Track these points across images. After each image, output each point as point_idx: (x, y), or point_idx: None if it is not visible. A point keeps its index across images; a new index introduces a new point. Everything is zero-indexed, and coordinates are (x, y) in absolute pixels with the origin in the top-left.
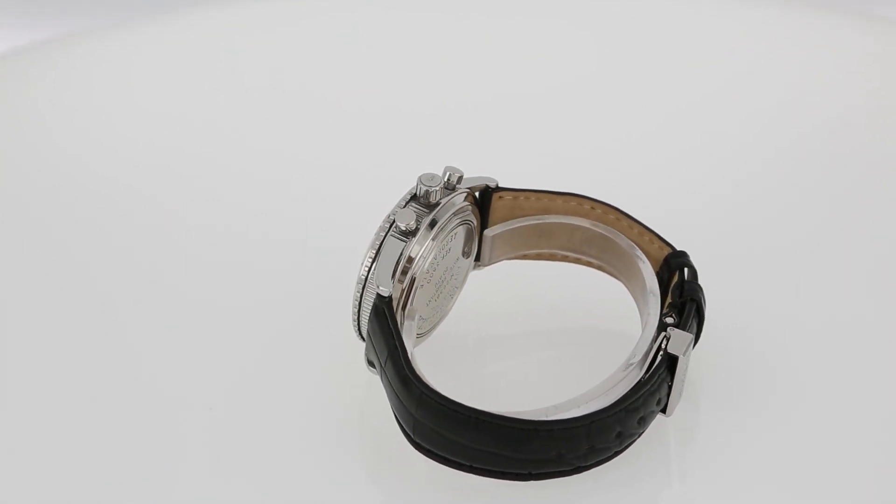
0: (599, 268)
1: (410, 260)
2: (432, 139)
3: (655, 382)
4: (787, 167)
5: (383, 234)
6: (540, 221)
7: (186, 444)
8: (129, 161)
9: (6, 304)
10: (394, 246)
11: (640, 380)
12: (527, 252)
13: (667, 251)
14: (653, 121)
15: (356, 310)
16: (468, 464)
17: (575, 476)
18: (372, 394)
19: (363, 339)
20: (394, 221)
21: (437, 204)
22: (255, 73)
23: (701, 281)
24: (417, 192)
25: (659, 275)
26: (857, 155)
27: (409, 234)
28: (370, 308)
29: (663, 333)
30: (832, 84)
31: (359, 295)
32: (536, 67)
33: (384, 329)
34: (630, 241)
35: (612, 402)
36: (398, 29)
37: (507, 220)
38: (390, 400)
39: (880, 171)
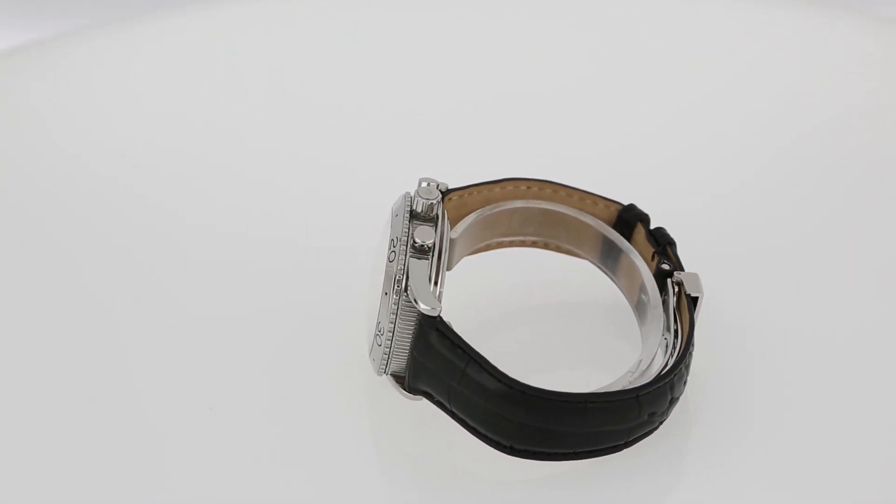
0: (534, 244)
1: (437, 276)
2: (432, 139)
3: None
4: (788, 167)
5: (403, 256)
6: (483, 214)
7: (187, 445)
8: (129, 161)
9: (6, 303)
10: (420, 266)
11: (691, 334)
12: (475, 247)
13: (615, 208)
14: (653, 121)
15: (388, 341)
16: (572, 451)
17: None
18: (374, 394)
19: (383, 373)
20: (409, 241)
21: (438, 216)
22: (255, 73)
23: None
24: (417, 208)
25: (620, 229)
26: (858, 155)
27: (427, 251)
28: (410, 335)
29: (670, 280)
30: (832, 84)
31: (392, 325)
32: (536, 67)
33: (450, 347)
34: (574, 209)
35: (676, 354)
36: (398, 29)
37: (459, 219)
38: (472, 418)
39: (880, 170)
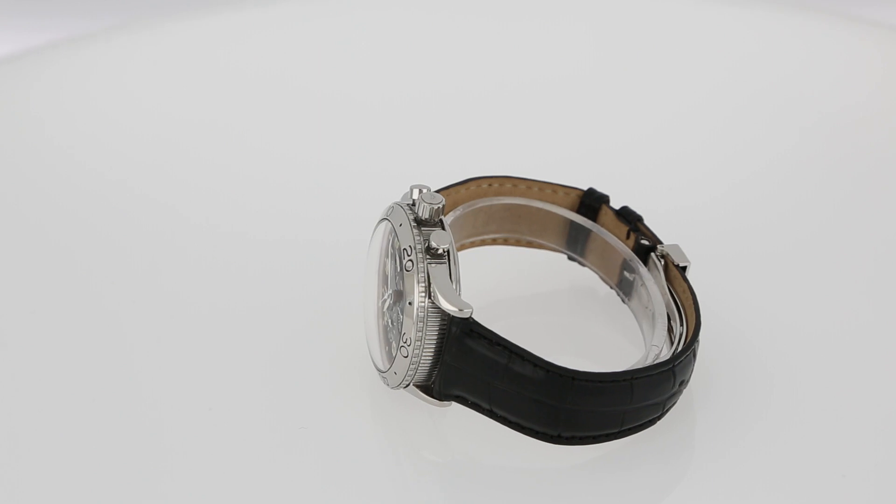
0: (494, 242)
1: (456, 278)
2: (431, 139)
3: None
4: (787, 168)
5: (422, 263)
6: (453, 217)
7: (186, 446)
8: (132, 162)
9: (6, 306)
10: (441, 270)
11: (695, 300)
12: None
13: (575, 194)
14: (653, 122)
15: (418, 350)
16: (617, 430)
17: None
18: (375, 394)
19: (405, 386)
20: (425, 247)
21: (442, 220)
22: (257, 74)
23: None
24: (423, 214)
25: (585, 214)
26: (855, 156)
27: (442, 255)
28: (438, 341)
29: (653, 254)
30: (832, 87)
31: (420, 334)
32: (539, 67)
33: (488, 346)
34: (534, 200)
35: (685, 326)
36: (398, 30)
37: None
38: (516, 413)
39: (879, 171)
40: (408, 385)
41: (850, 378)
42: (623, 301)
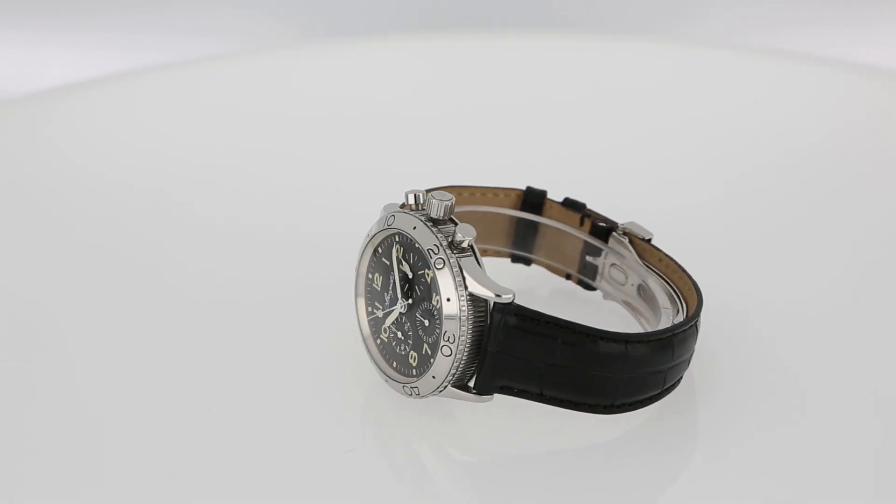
0: None
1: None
2: (431, 143)
3: None
4: (778, 169)
5: (452, 259)
6: None
7: (183, 444)
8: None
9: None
10: (471, 262)
11: (678, 264)
12: None
13: (515, 194)
14: (651, 128)
15: (464, 346)
16: (660, 391)
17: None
18: (376, 400)
19: (443, 389)
20: (451, 243)
21: (453, 217)
22: (265, 99)
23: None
24: (437, 213)
25: (529, 212)
26: (848, 157)
27: (466, 249)
28: (478, 334)
29: (614, 232)
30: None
31: (463, 328)
32: (542, 85)
33: (536, 325)
34: (477, 205)
35: (685, 286)
36: (400, 64)
37: None
38: (569, 390)
39: (865, 171)
40: (445, 388)
41: (852, 374)
42: (589, 288)
